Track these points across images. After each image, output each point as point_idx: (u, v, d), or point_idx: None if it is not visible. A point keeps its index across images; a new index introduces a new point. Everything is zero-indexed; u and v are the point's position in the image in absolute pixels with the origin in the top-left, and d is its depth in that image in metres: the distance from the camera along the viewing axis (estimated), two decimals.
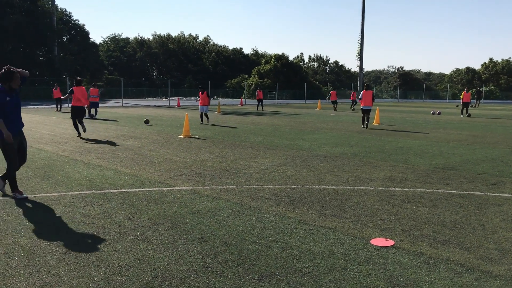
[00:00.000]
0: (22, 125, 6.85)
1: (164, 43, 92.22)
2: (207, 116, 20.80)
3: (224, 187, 7.45)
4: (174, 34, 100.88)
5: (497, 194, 7.15)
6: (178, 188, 7.35)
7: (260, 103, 35.78)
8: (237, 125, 19.71)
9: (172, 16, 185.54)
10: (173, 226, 5.36)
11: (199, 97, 21.05)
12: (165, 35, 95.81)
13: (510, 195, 7.12)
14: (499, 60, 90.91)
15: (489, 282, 3.93)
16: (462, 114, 29.00)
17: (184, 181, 7.89)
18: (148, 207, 6.15)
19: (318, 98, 56.85)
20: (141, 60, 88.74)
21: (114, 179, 8.02)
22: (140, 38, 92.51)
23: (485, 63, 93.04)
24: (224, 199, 6.62)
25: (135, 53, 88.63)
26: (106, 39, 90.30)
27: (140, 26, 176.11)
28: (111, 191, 7.10)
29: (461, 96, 29.95)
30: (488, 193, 7.21)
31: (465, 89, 30.29)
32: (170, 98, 49.04)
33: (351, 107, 39.13)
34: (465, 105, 29.08)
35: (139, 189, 7.22)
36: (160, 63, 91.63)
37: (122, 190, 7.17)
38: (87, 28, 78.86)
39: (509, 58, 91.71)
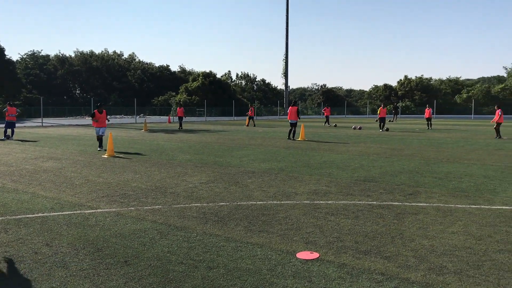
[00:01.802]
0: None
1: (87, 60, 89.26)
2: (101, 140, 16.85)
3: (149, 207, 7.26)
4: (97, 51, 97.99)
5: (414, 204, 7.57)
6: (101, 210, 7.06)
7: (179, 121, 33.28)
8: (164, 143, 19.39)
9: (95, 33, 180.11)
10: (94, 250, 5.12)
11: (94, 115, 16.63)
12: (88, 52, 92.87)
13: (425, 204, 7.57)
14: (413, 77, 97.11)
15: None
16: (380, 129, 30.55)
17: (107, 203, 7.60)
18: (67, 232, 5.84)
19: (246, 115, 57.42)
20: (63, 77, 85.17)
21: (31, 203, 7.55)
22: (61, 55, 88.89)
23: (400, 80, 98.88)
24: (149, 220, 6.44)
25: (56, 70, 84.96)
26: (24, 56, 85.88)
27: (61, 43, 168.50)
28: (28, 216, 6.67)
29: (378, 112, 31.59)
30: (406, 203, 7.61)
31: (382, 105, 32.01)
32: None
33: (325, 123, 38.82)
34: (382, 120, 30.70)
35: (58, 213, 6.85)
36: (83, 80, 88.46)
37: (40, 214, 6.77)
38: (2, 44, 74.63)
39: (422, 75, 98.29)
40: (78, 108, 69.00)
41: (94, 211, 7.01)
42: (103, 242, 5.41)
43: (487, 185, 9.38)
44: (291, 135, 22.00)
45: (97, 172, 11.05)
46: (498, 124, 23.37)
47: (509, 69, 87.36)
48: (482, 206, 7.39)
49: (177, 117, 34.49)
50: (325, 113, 39.76)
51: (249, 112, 38.58)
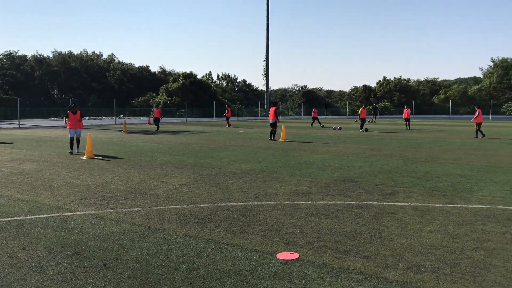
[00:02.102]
0: None
1: (65, 60, 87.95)
2: (78, 142, 16.15)
3: (129, 209, 7.19)
4: (76, 51, 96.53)
5: (392, 203, 7.66)
6: (79, 213, 6.97)
7: (156, 122, 32.35)
8: (144, 144, 19.23)
9: (74, 33, 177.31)
10: (72, 253, 5.05)
11: (67, 116, 15.97)
12: (67, 52, 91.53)
13: (403, 203, 7.67)
14: (392, 78, 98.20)
15: None
16: (361, 129, 30.84)
17: (85, 205, 7.50)
18: (45, 235, 5.75)
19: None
20: (40, 78, 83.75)
21: (7, 206, 7.41)
22: (38, 55, 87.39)
23: (379, 81, 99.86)
24: (128, 223, 6.38)
25: (34, 71, 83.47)
26: (0, 57, 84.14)
27: (38, 43, 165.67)
28: (3, 219, 6.55)
29: (359, 112, 31.92)
30: (384, 203, 7.70)
31: (363, 106, 32.33)
32: None
33: (311, 124, 39.02)
34: (362, 120, 31.03)
35: (35, 216, 6.73)
36: (61, 81, 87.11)
37: (16, 218, 6.65)
38: None
39: (400, 76, 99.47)
40: (57, 109, 67.91)
41: (72, 213, 6.91)
42: (81, 245, 5.34)
43: (464, 184, 9.55)
44: (272, 135, 22.21)
45: (75, 174, 10.90)
46: (478, 124, 23.81)
47: (485, 70, 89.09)
48: (459, 205, 7.52)
49: (154, 118, 33.81)
50: (312, 115, 39.93)
51: (226, 113, 38.84)
